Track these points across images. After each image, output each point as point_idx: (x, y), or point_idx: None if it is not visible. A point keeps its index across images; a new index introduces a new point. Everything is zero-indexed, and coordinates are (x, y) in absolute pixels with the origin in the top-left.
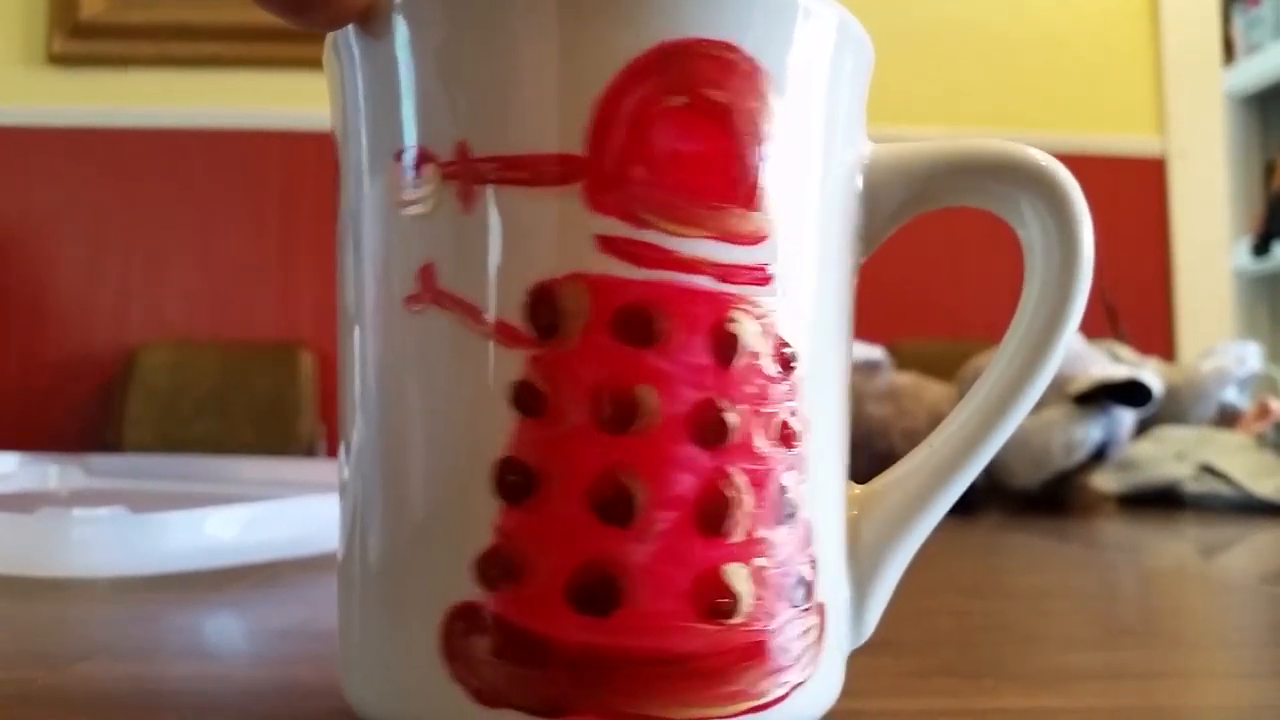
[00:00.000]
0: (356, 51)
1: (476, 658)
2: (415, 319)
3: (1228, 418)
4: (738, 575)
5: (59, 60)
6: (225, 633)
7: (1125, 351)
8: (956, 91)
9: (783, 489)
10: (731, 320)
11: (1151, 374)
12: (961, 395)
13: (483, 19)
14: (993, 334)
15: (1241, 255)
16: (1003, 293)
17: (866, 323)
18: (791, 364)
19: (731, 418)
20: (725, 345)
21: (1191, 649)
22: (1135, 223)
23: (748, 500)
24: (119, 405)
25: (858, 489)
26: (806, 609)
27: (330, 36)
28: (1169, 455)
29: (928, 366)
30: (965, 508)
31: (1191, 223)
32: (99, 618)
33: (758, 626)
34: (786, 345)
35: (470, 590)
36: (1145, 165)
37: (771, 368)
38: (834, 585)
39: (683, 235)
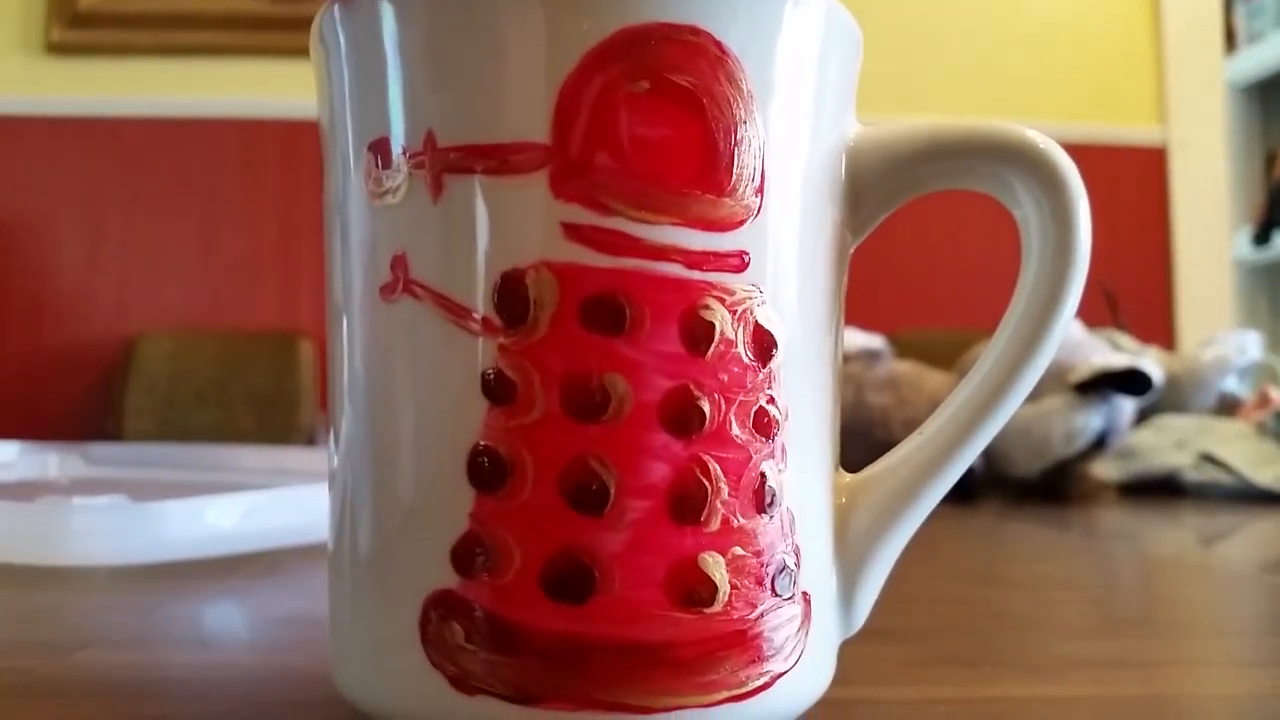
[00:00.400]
0: (339, 41)
1: (453, 644)
2: (391, 308)
3: (1228, 406)
4: (714, 564)
5: (57, 49)
6: (225, 621)
7: (1126, 340)
8: (956, 80)
9: (761, 477)
10: (704, 307)
11: (1152, 363)
12: None
13: (447, 8)
14: (994, 323)
15: (1242, 244)
16: (1004, 281)
17: (867, 311)
18: (770, 351)
19: (705, 406)
20: (697, 333)
21: (1191, 637)
22: (1136, 212)
23: (724, 489)
24: (119, 394)
25: (848, 477)
26: (789, 598)
27: (315, 26)
28: (1169, 444)
29: (928, 355)
30: (965, 496)
31: (1192, 212)
32: (99, 606)
33: (737, 616)
34: (764, 332)
35: (447, 577)
36: (1146, 154)
37: (747, 355)
38: (820, 575)
39: (650, 222)
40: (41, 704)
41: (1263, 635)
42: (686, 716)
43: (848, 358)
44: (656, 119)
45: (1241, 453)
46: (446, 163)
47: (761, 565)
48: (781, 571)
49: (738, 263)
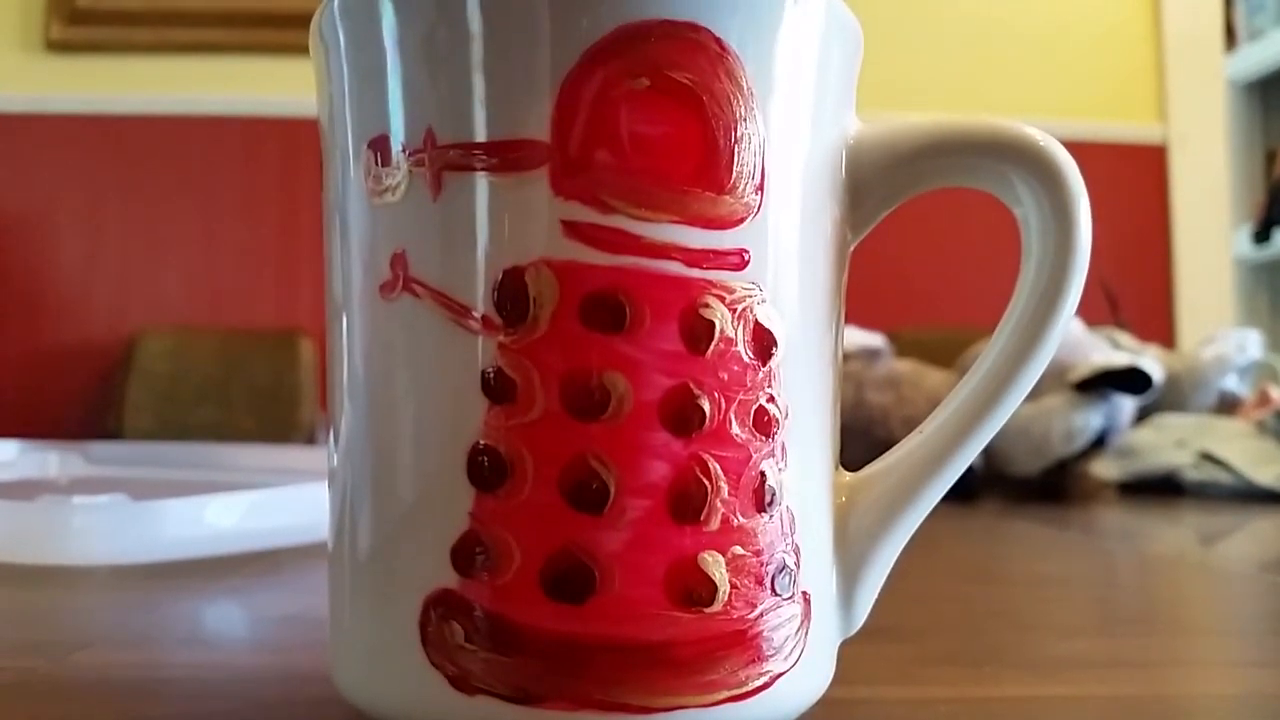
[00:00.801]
0: (338, 38)
1: (453, 644)
2: (391, 306)
3: (1228, 405)
4: (714, 563)
5: (57, 46)
6: (225, 620)
7: (1125, 339)
8: (956, 78)
9: (761, 476)
10: (704, 306)
11: (1152, 361)
12: None
13: (447, 5)
14: (993, 322)
15: (1242, 243)
16: (1003, 280)
17: (867, 310)
18: (770, 350)
19: (705, 404)
20: (698, 331)
21: (1191, 637)
22: (1136, 209)
23: (724, 488)
24: (119, 392)
25: (848, 476)
26: (789, 598)
27: (315, 23)
28: (1169, 443)
29: (928, 354)
30: (965, 495)
31: (1192, 210)
32: (99, 605)
33: (737, 615)
34: (764, 331)
35: (447, 577)
36: (1146, 152)
37: (748, 354)
38: (820, 574)
39: (650, 220)
40: (41, 703)
41: (1262, 635)
42: (686, 716)
43: (847, 356)
44: (656, 116)
45: (1241, 451)
46: (446, 160)
47: (761, 565)
48: (781, 571)
49: (738, 261)
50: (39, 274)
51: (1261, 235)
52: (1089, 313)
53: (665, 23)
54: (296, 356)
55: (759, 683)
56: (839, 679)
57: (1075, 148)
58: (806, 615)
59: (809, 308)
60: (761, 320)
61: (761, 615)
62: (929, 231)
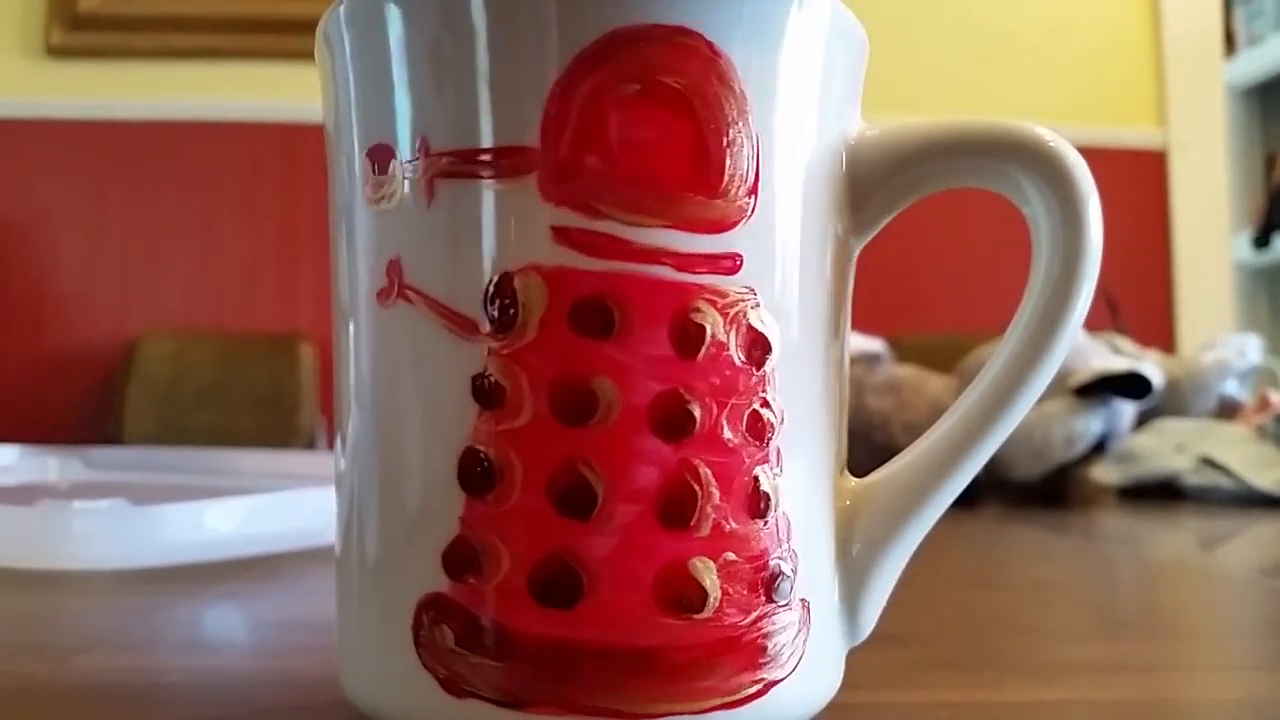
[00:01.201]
0: (343, 43)
1: (444, 647)
2: (388, 313)
3: (1228, 410)
4: (704, 569)
5: (57, 52)
6: (225, 625)
7: (1125, 343)
8: (957, 82)
9: (755, 482)
10: (695, 310)
11: (1152, 366)
12: (962, 388)
13: (440, 13)
14: (994, 327)
15: (1242, 247)
16: (1004, 285)
17: (867, 315)
18: (764, 354)
19: (695, 410)
20: (688, 336)
21: (1191, 641)
22: (1136, 215)
23: (715, 493)
24: (119, 397)
25: (853, 482)
26: (786, 605)
27: (320, 29)
28: (1169, 448)
29: (928, 359)
30: (966, 500)
31: (1192, 215)
32: (99, 610)
33: (729, 622)
34: (758, 335)
35: (439, 581)
36: (1146, 157)
37: (740, 358)
38: (821, 581)
39: (640, 225)
40: (41, 708)
41: (1263, 639)
42: None
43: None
44: (646, 121)
45: (1241, 456)
46: (439, 168)
47: (755, 571)
48: (777, 577)
49: (730, 265)
50: (39, 279)
51: (1261, 240)
52: (1089, 317)
53: (656, 27)
54: (296, 361)
55: (753, 690)
56: (840, 684)
57: None
58: (806, 623)
59: (808, 311)
60: (755, 324)
61: (756, 622)
62: (930, 237)
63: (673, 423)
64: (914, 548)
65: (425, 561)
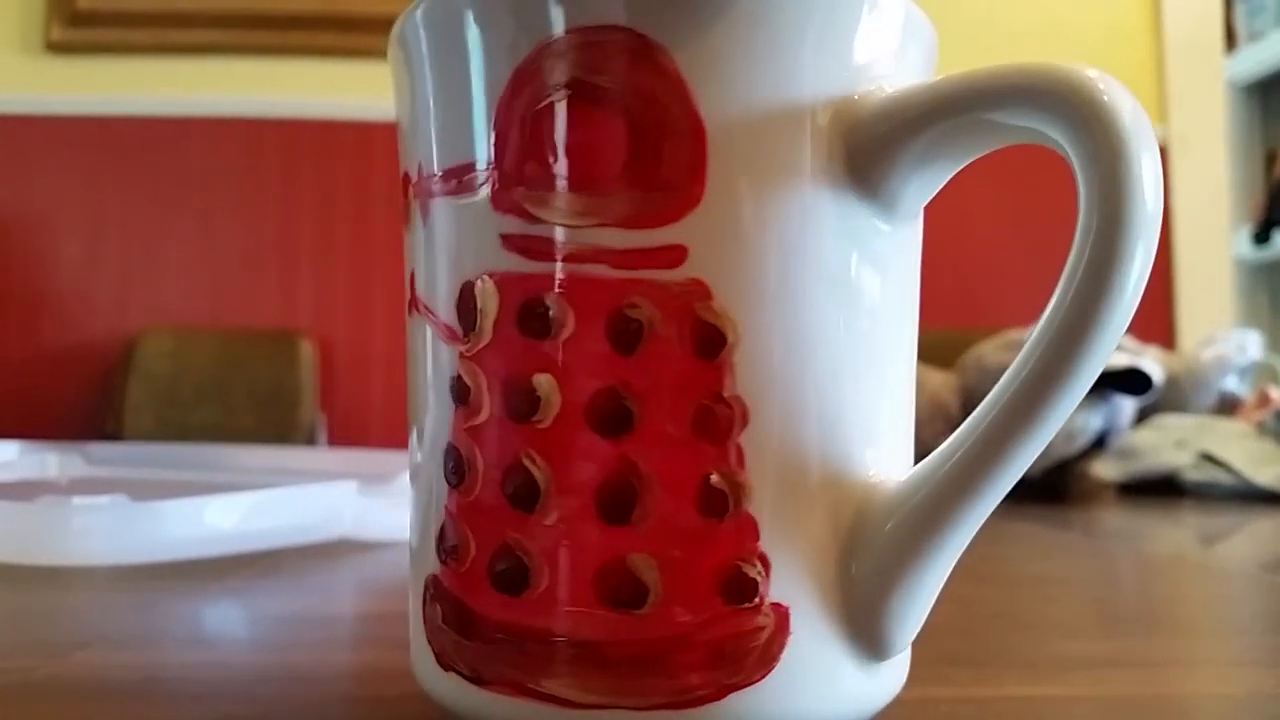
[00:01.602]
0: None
1: (435, 624)
2: (412, 322)
3: (1228, 406)
4: (644, 565)
5: (57, 48)
6: (225, 621)
7: (1126, 339)
8: None
9: (706, 479)
10: (631, 306)
11: (1152, 362)
12: (962, 384)
13: (419, 45)
14: (995, 323)
15: (1242, 243)
16: (1005, 280)
17: None
18: (717, 347)
19: (633, 405)
20: (626, 332)
21: (1191, 637)
22: None
23: (657, 489)
24: (119, 393)
25: (875, 485)
26: (750, 608)
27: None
28: (1169, 443)
29: (929, 355)
30: None
31: (1192, 210)
32: (98, 606)
33: (677, 620)
34: (708, 327)
35: (434, 564)
36: None
37: (688, 352)
38: (806, 588)
39: (575, 225)
40: (40, 704)
41: (1262, 634)
42: (618, 717)
43: None
44: (577, 123)
45: (1241, 452)
46: (428, 189)
47: (710, 571)
48: (737, 579)
49: (672, 258)
50: (39, 275)
51: (1261, 236)
52: None
53: (583, 30)
54: (296, 357)
55: (704, 692)
56: (822, 705)
57: None
58: (782, 629)
59: (791, 302)
60: (705, 317)
61: (708, 623)
62: (929, 232)
63: (610, 419)
64: (943, 566)
65: (429, 546)
